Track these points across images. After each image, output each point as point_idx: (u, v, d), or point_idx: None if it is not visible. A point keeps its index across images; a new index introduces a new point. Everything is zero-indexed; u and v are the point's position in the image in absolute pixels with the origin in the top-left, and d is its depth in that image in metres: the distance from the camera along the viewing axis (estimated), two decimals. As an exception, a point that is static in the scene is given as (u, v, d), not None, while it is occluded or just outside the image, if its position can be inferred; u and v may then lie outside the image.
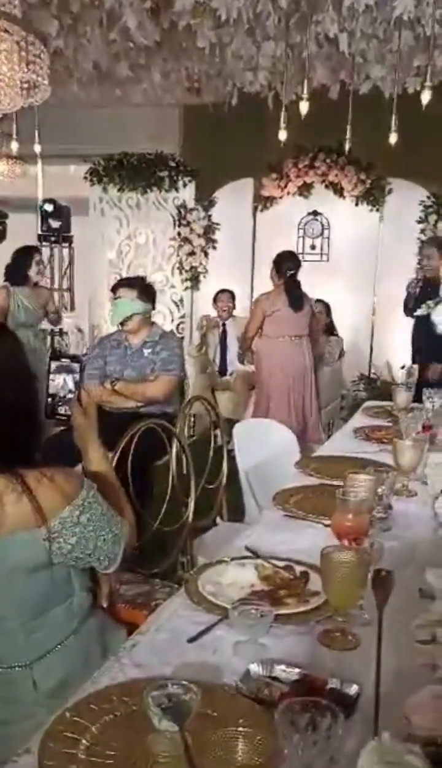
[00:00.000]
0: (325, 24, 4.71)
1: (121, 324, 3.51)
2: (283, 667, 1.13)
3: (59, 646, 1.37)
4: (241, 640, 1.22)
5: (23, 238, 6.19)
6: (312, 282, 4.89)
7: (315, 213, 6.64)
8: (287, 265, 4.77)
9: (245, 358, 5.38)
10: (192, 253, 6.72)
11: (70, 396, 1.60)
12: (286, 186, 6.51)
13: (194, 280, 6.81)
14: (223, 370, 6.06)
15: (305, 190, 6.51)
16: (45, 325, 5.41)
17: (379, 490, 1.74)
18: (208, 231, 6.70)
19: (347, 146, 5.20)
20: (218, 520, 2.70)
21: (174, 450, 2.45)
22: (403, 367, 3.46)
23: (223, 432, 2.84)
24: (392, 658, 1.13)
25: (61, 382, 1.60)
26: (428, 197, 6.26)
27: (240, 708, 1.03)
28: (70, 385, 1.61)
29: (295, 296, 4.72)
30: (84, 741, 0.98)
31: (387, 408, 3.23)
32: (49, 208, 7.20)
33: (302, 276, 4.85)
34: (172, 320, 6.88)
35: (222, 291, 6.24)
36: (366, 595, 1.16)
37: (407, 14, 4.42)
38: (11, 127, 5.56)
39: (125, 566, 1.83)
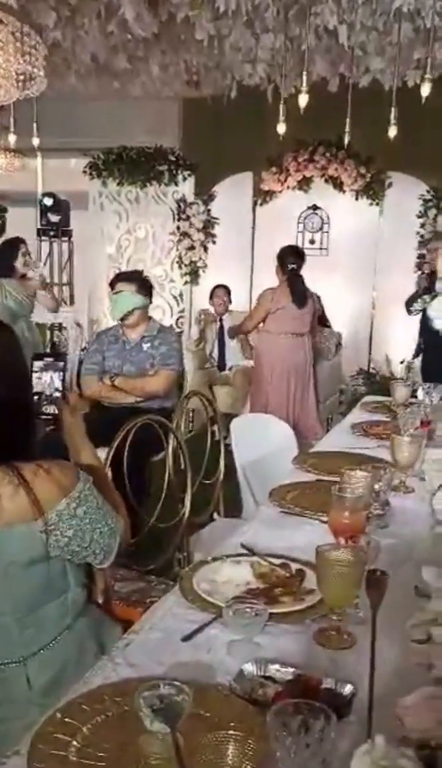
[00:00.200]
0: (324, 16, 4.69)
1: (122, 318, 3.50)
2: (277, 666, 1.12)
3: (53, 643, 1.36)
4: (235, 639, 1.21)
5: (22, 232, 6.15)
6: (312, 276, 4.84)
7: (315, 207, 6.60)
8: (288, 259, 4.67)
9: (235, 336, 5.46)
10: (191, 248, 6.69)
11: (56, 395, 1.56)
12: (285, 180, 6.48)
13: (194, 274, 6.79)
14: (221, 365, 6.04)
15: (304, 184, 6.48)
16: (43, 318, 5.38)
17: (376, 486, 1.73)
18: (208, 225, 6.68)
19: (346, 140, 5.18)
20: (215, 516, 2.69)
21: (171, 446, 2.43)
22: (402, 362, 3.43)
23: (220, 427, 2.82)
24: (388, 657, 1.12)
25: (47, 380, 1.55)
26: (428, 191, 6.23)
27: (233, 709, 1.01)
28: (57, 383, 1.57)
29: (298, 292, 4.64)
30: (75, 742, 0.96)
31: (386, 403, 3.21)
32: (48, 202, 7.18)
33: (303, 270, 4.79)
34: (172, 315, 6.86)
35: (218, 286, 6.20)
36: (362, 594, 1.15)
37: (407, 6, 4.40)
38: (8, 120, 5.53)
39: (121, 563, 1.82)
